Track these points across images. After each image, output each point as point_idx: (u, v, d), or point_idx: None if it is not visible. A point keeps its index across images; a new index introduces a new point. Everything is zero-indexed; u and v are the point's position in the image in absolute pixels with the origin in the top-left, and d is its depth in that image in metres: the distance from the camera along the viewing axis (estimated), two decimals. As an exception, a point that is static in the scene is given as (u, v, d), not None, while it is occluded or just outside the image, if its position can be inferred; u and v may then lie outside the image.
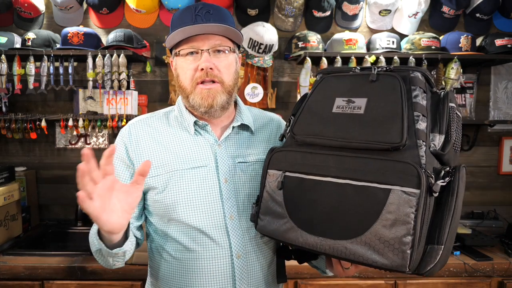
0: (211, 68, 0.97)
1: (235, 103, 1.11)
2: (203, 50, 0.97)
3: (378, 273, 1.79)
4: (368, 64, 2.10)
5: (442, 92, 0.86)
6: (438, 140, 0.83)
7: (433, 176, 0.76)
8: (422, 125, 0.81)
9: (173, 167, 0.99)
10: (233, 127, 1.05)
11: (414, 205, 0.74)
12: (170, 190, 0.98)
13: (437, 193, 0.75)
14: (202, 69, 0.96)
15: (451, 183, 0.77)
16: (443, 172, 0.78)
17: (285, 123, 1.02)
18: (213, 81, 0.98)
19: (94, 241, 0.93)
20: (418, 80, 0.84)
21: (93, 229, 0.94)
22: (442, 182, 0.76)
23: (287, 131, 0.98)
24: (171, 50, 1.05)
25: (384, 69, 0.87)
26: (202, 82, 0.98)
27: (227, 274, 0.97)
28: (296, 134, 0.93)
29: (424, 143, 0.80)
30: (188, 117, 1.04)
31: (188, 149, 1.02)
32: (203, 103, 0.98)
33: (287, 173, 0.91)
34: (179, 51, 1.00)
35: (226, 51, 1.00)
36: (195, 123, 1.03)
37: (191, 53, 0.98)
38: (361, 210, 0.79)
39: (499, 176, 2.46)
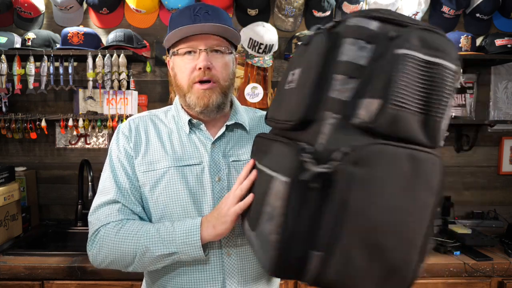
0: (208, 68, 0.97)
1: (232, 103, 1.12)
2: (201, 49, 0.98)
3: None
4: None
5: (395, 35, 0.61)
6: (366, 106, 0.60)
7: (313, 160, 0.59)
8: (341, 90, 0.62)
9: (166, 164, 1.01)
10: (227, 126, 1.06)
11: (281, 197, 0.61)
12: (161, 187, 0.99)
13: (315, 184, 0.58)
14: (200, 68, 0.97)
15: (343, 169, 0.57)
16: (339, 154, 0.58)
17: None
18: (210, 81, 0.99)
19: (164, 244, 0.93)
20: (356, 29, 0.63)
21: (165, 233, 0.94)
22: (322, 168, 0.57)
23: None
24: (168, 49, 1.06)
25: (331, 24, 0.69)
26: (199, 82, 0.99)
27: (216, 273, 0.98)
28: (266, 118, 0.90)
29: (334, 115, 0.62)
30: (184, 115, 1.05)
31: (182, 147, 1.03)
32: (199, 103, 0.99)
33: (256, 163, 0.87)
34: (177, 50, 1.01)
35: (223, 52, 1.01)
36: (190, 121, 1.04)
37: (189, 52, 0.99)
38: (260, 199, 0.72)
39: (499, 176, 2.46)
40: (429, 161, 0.59)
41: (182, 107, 1.07)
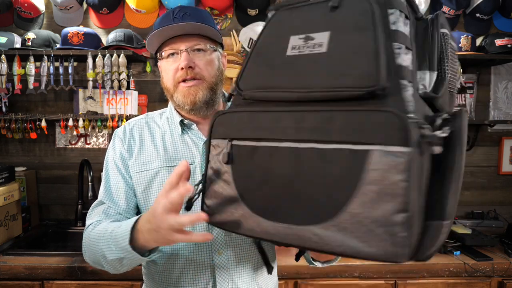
0: (190, 67, 0.98)
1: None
2: (181, 50, 0.99)
3: (378, 273, 1.79)
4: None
5: (430, 16, 0.67)
6: (428, 79, 0.64)
7: (426, 126, 0.56)
8: (406, 60, 0.61)
9: (158, 164, 1.02)
10: None
11: (403, 169, 0.53)
12: (154, 188, 1.01)
13: (439, 149, 0.56)
14: (182, 68, 0.98)
15: (453, 134, 0.58)
16: (440, 120, 0.58)
17: None
18: (194, 79, 1.00)
19: (112, 248, 0.86)
20: (397, 1, 0.63)
21: (112, 236, 0.87)
22: (442, 133, 0.57)
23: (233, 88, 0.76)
24: (156, 55, 1.08)
25: None
26: (184, 81, 1.00)
27: (206, 271, 0.98)
28: (242, 89, 0.73)
29: (411, 84, 0.60)
30: (176, 116, 1.07)
31: (175, 147, 1.04)
32: (186, 101, 1.01)
33: (235, 142, 0.70)
34: (161, 54, 1.03)
35: (205, 50, 1.02)
36: (181, 122, 1.06)
37: (172, 54, 1.01)
38: (331, 182, 0.59)
39: (499, 176, 2.46)
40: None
41: (175, 108, 1.09)
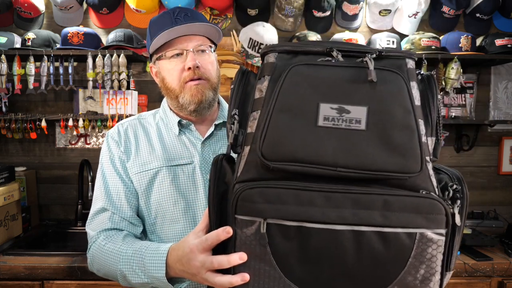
0: (197, 67, 0.99)
1: (218, 102, 1.14)
2: (188, 50, 1.00)
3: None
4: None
5: (423, 76, 0.69)
6: (431, 145, 0.68)
7: (451, 205, 0.64)
8: (423, 134, 0.64)
9: (158, 164, 1.02)
10: (215, 125, 1.07)
11: (441, 245, 0.64)
12: (154, 187, 1.01)
13: (458, 220, 0.65)
14: (190, 68, 0.98)
15: (461, 201, 0.66)
16: (451, 192, 0.66)
17: (231, 123, 0.73)
18: (200, 79, 1.01)
19: (138, 273, 0.87)
20: (413, 72, 0.67)
21: (134, 261, 0.87)
22: (458, 206, 0.65)
23: (245, 145, 0.70)
24: (151, 56, 1.07)
25: (374, 55, 0.66)
26: (190, 81, 1.00)
27: None
28: (269, 159, 0.64)
29: (429, 158, 0.65)
30: (172, 117, 1.07)
31: (173, 148, 1.05)
32: (193, 100, 1.00)
33: (271, 220, 0.64)
34: (163, 54, 1.02)
35: (208, 50, 1.03)
36: (179, 122, 1.06)
37: (177, 54, 1.01)
38: (386, 260, 0.64)
39: (499, 176, 2.46)
40: None
41: (171, 109, 1.09)
